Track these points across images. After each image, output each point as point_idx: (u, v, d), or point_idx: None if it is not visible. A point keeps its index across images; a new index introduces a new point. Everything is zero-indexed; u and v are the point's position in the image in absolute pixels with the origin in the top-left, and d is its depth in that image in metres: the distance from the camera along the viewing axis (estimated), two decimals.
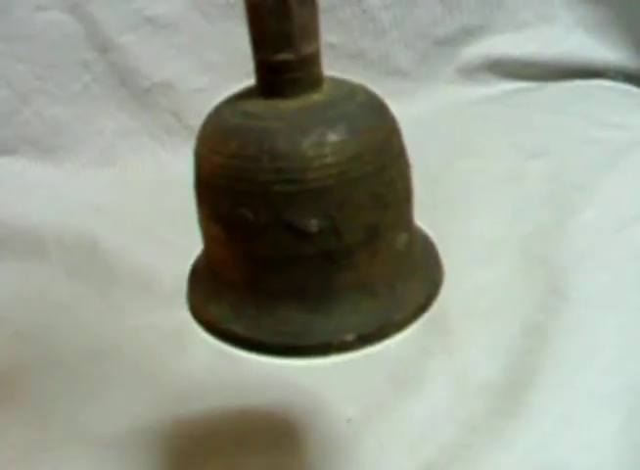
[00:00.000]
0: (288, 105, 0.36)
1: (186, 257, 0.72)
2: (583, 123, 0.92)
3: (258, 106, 0.37)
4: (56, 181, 0.90)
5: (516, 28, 1.09)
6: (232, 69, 0.92)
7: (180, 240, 0.75)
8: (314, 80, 0.37)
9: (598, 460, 0.47)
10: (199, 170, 0.38)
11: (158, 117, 0.96)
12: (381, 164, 0.36)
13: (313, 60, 0.37)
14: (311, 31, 0.36)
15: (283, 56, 0.36)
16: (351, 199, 0.35)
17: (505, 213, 0.76)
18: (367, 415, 0.54)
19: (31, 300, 0.72)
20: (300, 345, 0.36)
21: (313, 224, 0.35)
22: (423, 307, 0.38)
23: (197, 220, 0.39)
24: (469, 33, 1.07)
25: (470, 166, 0.85)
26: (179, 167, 0.94)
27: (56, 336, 0.65)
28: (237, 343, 0.37)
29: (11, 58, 0.90)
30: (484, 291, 0.65)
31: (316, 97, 0.37)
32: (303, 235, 0.35)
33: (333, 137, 0.35)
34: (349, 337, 0.36)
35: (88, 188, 0.89)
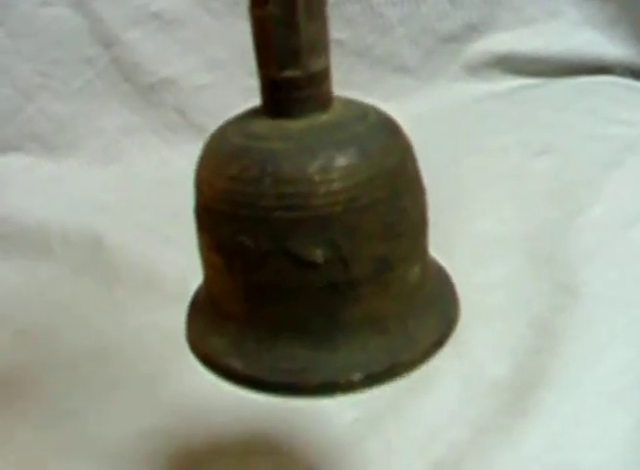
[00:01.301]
0: (294, 125, 0.34)
1: (190, 254, 0.71)
2: (590, 120, 0.92)
3: (263, 126, 0.35)
4: (60, 178, 0.90)
5: (522, 24, 1.08)
6: (237, 65, 0.92)
7: (184, 238, 0.75)
8: (323, 99, 0.35)
9: (608, 459, 0.47)
10: (198, 194, 0.36)
11: (162, 114, 0.96)
12: (393, 190, 0.34)
13: (322, 77, 0.35)
14: (320, 47, 0.34)
15: (289, 73, 0.34)
16: (360, 227, 0.33)
17: (511, 211, 0.76)
18: (375, 415, 0.54)
19: (35, 297, 0.72)
20: (303, 383, 0.34)
21: (318, 254, 0.33)
22: (436, 346, 0.36)
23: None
24: (475, 29, 1.07)
25: (475, 164, 0.84)
26: (183, 164, 0.94)
27: (59, 334, 0.65)
28: (235, 379, 0.35)
29: (15, 54, 0.90)
30: (491, 289, 0.64)
31: (325, 117, 0.35)
32: (308, 265, 0.33)
33: (341, 160, 0.33)
34: (356, 376, 0.34)
35: (92, 185, 0.89)
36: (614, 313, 0.59)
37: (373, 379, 0.34)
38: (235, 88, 0.92)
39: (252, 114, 0.37)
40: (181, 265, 0.70)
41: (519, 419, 0.50)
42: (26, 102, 0.91)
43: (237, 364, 0.35)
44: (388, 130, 0.36)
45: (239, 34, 0.95)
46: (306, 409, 0.54)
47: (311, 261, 0.33)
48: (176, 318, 0.61)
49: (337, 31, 0.97)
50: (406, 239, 0.35)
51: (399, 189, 0.34)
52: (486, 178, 0.82)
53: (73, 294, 0.71)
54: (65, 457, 0.51)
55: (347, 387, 0.34)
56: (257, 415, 0.54)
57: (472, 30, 1.07)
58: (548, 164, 0.84)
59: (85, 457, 0.51)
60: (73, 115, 0.94)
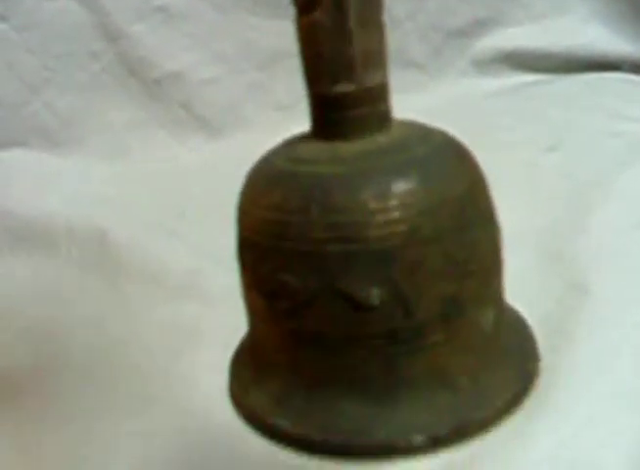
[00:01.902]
0: (347, 147, 0.30)
1: (196, 249, 0.71)
2: (598, 116, 0.92)
3: (311, 149, 0.31)
4: (65, 173, 0.90)
5: (530, 20, 1.08)
6: (242, 59, 0.91)
7: (190, 232, 0.75)
8: (380, 118, 0.32)
9: (620, 460, 0.46)
10: (239, 227, 0.33)
11: (167, 108, 0.96)
12: (461, 220, 0.30)
13: (379, 93, 0.31)
14: (376, 58, 0.31)
15: (342, 87, 0.30)
16: (423, 263, 0.29)
17: (519, 208, 0.75)
18: None
19: (41, 291, 0.72)
20: (358, 445, 0.30)
21: (375, 294, 0.29)
22: (512, 404, 0.33)
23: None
24: (483, 25, 1.07)
25: (483, 160, 0.83)
26: (189, 158, 0.94)
27: (65, 329, 0.64)
28: (282, 439, 0.32)
29: (21, 48, 0.90)
30: None
31: (382, 138, 0.31)
32: (362, 308, 0.29)
33: (401, 186, 0.29)
34: (418, 438, 0.30)
35: (98, 179, 0.89)
36: (624, 313, 0.58)
37: (437, 442, 0.31)
38: (240, 82, 0.92)
39: (301, 137, 0.33)
40: (187, 260, 0.70)
41: (531, 418, 0.50)
42: (32, 96, 0.91)
43: (284, 423, 0.31)
44: (454, 153, 0.33)
45: (244, 28, 0.95)
46: None
47: (367, 304, 0.29)
48: (183, 313, 0.61)
49: None
50: (477, 278, 0.31)
51: (468, 220, 0.31)
52: (494, 175, 0.80)
53: (79, 288, 0.71)
54: (70, 456, 0.51)
55: (408, 450, 0.30)
56: None
57: (480, 26, 1.07)
58: (557, 160, 0.84)
59: (91, 456, 0.50)
60: (79, 109, 0.94)
